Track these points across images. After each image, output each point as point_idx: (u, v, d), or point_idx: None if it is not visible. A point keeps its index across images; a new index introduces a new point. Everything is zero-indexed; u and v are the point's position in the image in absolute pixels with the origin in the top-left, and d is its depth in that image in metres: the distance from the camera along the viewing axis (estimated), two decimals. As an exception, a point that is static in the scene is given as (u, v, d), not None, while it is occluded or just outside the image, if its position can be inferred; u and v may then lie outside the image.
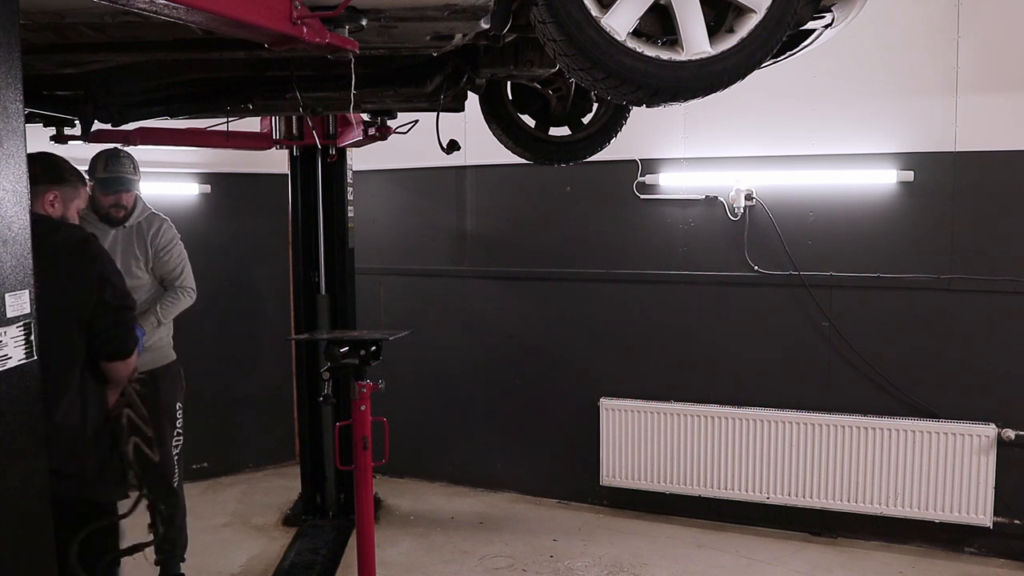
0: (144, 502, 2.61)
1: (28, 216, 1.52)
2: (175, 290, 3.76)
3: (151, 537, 2.66)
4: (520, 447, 5.14)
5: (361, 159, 5.00)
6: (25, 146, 1.50)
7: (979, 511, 4.05)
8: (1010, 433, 4.03)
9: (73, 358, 2.31)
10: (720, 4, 2.03)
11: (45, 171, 2.45)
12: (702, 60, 1.98)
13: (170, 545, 3.70)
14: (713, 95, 2.06)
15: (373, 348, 3.38)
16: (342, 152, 4.64)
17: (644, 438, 4.67)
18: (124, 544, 2.59)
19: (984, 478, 4.03)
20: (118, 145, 3.74)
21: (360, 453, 3.34)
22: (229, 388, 5.49)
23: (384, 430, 3.45)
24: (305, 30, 1.79)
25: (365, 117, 4.07)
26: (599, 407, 4.77)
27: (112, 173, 3.60)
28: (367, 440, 3.33)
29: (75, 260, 2.36)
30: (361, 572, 3.42)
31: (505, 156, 3.66)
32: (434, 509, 4.92)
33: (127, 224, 3.68)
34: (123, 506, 2.55)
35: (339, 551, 4.30)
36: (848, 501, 4.28)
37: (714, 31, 2.02)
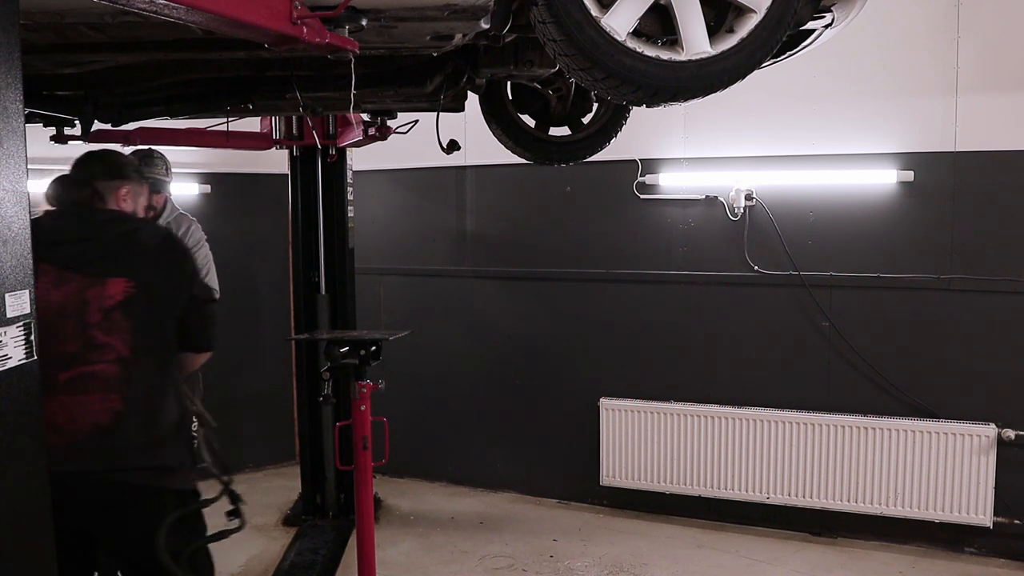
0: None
1: (28, 216, 1.51)
2: None
3: (234, 523, 2.55)
4: (520, 447, 5.14)
5: (361, 159, 5.00)
6: (25, 146, 1.50)
7: (979, 511, 4.05)
8: (1010, 433, 4.03)
9: (170, 352, 2.34)
10: (720, 4, 2.03)
11: (112, 167, 2.46)
12: (702, 60, 1.98)
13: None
14: (713, 95, 2.06)
15: (373, 348, 3.38)
16: (342, 152, 4.64)
17: (644, 438, 4.67)
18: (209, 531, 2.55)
19: (984, 478, 4.03)
20: (152, 147, 3.77)
21: (360, 453, 3.34)
22: (229, 388, 5.49)
23: (384, 430, 3.45)
24: (305, 30, 1.79)
25: (365, 117, 4.07)
26: (599, 407, 4.77)
27: (145, 174, 3.61)
28: (367, 440, 3.34)
29: (166, 256, 2.38)
30: (361, 572, 3.42)
31: (505, 156, 3.66)
32: (434, 509, 4.92)
33: None
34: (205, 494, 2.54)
35: (339, 551, 4.30)
36: (848, 501, 4.28)
37: (714, 31, 2.03)
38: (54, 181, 2.41)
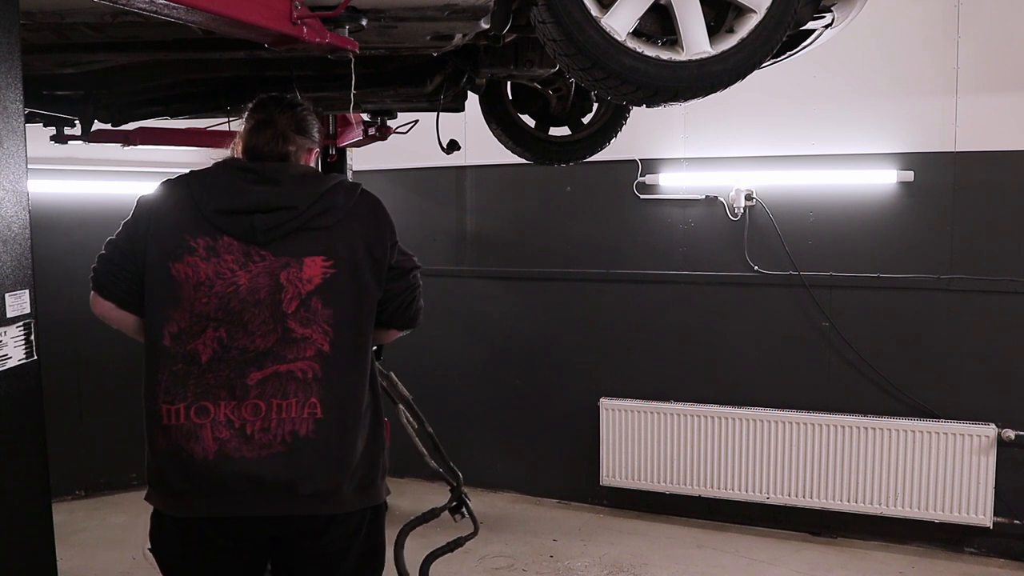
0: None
1: (28, 216, 1.51)
2: None
3: (467, 529, 2.30)
4: (520, 447, 5.14)
5: (361, 159, 5.00)
6: (25, 146, 1.50)
7: (979, 511, 4.05)
8: (1010, 433, 4.03)
9: (370, 342, 1.97)
10: (720, 4, 2.03)
11: (302, 124, 2.01)
12: (702, 60, 1.99)
13: None
14: (713, 95, 2.06)
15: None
16: (342, 152, 4.63)
17: (644, 438, 4.67)
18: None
19: (984, 478, 4.03)
20: None
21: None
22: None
23: (387, 430, 3.45)
24: (305, 30, 1.79)
25: (365, 117, 4.07)
26: (599, 407, 4.77)
27: None
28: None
29: (364, 220, 1.91)
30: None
31: (505, 156, 3.66)
32: (434, 509, 4.92)
33: None
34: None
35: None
36: (848, 501, 4.28)
37: (714, 31, 2.03)
38: (253, 128, 1.97)
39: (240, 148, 1.98)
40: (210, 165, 1.96)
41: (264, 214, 1.83)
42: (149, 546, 2.00)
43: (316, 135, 2.06)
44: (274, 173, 1.89)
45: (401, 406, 2.37)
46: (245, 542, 1.87)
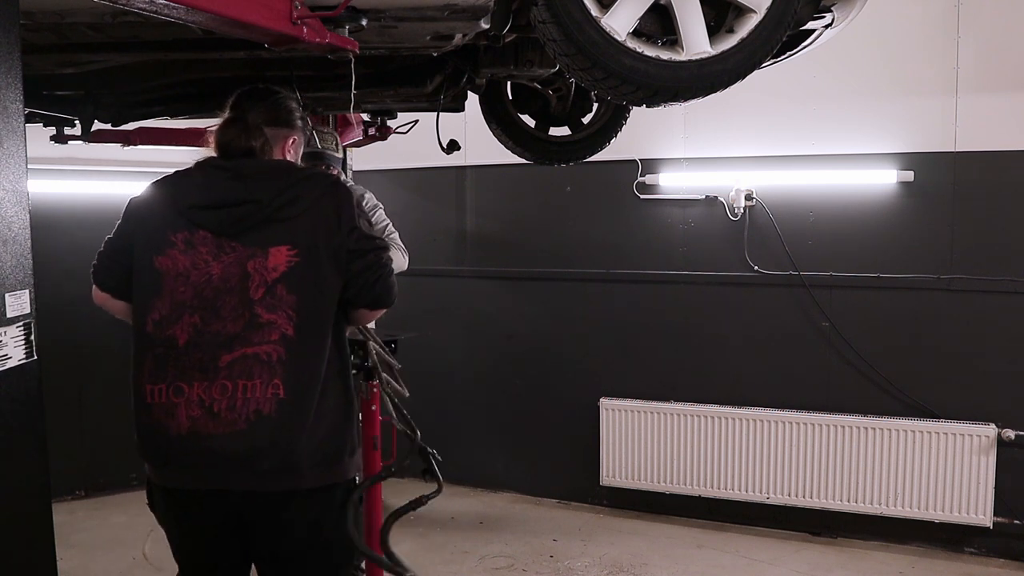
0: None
1: (28, 216, 1.51)
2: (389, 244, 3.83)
3: (431, 488, 2.29)
4: (520, 447, 5.14)
5: (361, 159, 5.00)
6: (25, 146, 1.50)
7: (979, 511, 4.05)
8: (1010, 433, 4.03)
9: (338, 325, 2.04)
10: (720, 4, 2.03)
11: (282, 112, 2.16)
12: (702, 60, 1.98)
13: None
14: (713, 95, 2.06)
15: (391, 347, 3.37)
16: (342, 152, 4.63)
17: (644, 438, 4.67)
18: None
19: (984, 478, 4.03)
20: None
21: (370, 452, 3.35)
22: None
23: (392, 430, 3.46)
24: (305, 30, 1.80)
25: (365, 117, 4.07)
26: (599, 407, 4.77)
27: (315, 148, 3.60)
28: (377, 440, 3.35)
29: (323, 208, 2.00)
30: (368, 569, 3.43)
31: (505, 156, 3.66)
32: (434, 509, 4.90)
33: None
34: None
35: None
36: (848, 501, 4.28)
37: (714, 31, 2.02)
38: (222, 126, 2.09)
39: (214, 145, 2.12)
40: (191, 165, 2.10)
41: (232, 208, 1.97)
42: (148, 547, 2.02)
43: (296, 122, 2.19)
44: (244, 169, 2.03)
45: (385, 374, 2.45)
46: (221, 515, 2.00)
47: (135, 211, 2.06)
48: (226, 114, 2.12)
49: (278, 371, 1.91)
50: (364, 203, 3.89)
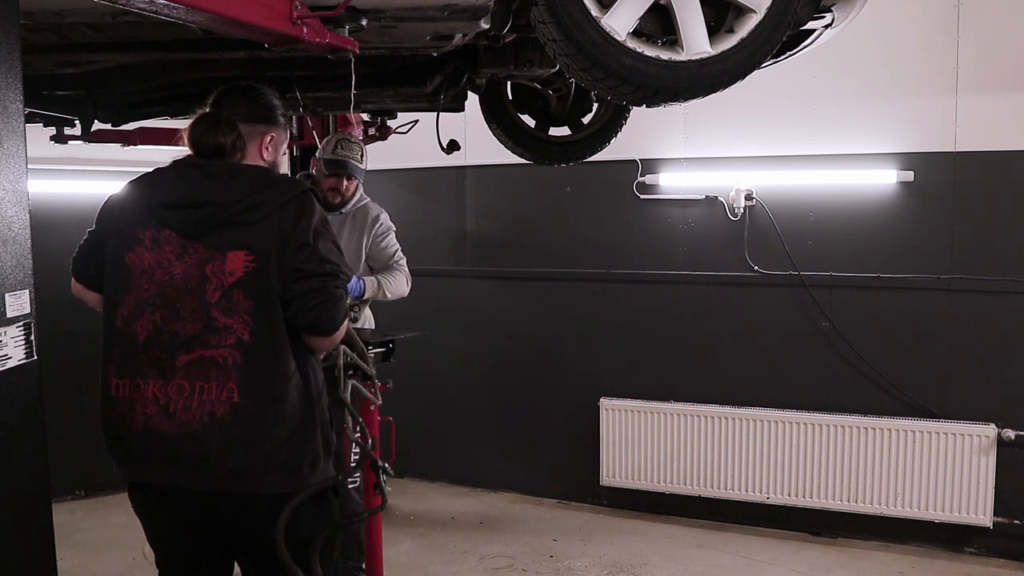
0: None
1: (28, 216, 1.51)
2: (394, 267, 3.80)
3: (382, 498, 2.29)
4: (520, 447, 5.14)
5: (361, 159, 5.00)
6: (25, 146, 1.50)
7: (979, 511, 4.05)
8: (1010, 433, 4.03)
9: (295, 334, 2.00)
10: (720, 4, 2.03)
11: (260, 108, 2.13)
12: (702, 60, 1.99)
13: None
14: (713, 95, 2.06)
15: (383, 349, 3.37)
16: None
17: (644, 438, 4.67)
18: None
19: (984, 478, 4.03)
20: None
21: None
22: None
23: (391, 430, 3.46)
24: (305, 30, 1.80)
25: (365, 117, 4.07)
26: (599, 407, 4.77)
27: (339, 156, 3.61)
28: (376, 440, 3.34)
29: (284, 220, 1.96)
30: (369, 568, 3.43)
31: (505, 156, 3.66)
32: (434, 509, 4.92)
33: (342, 211, 3.71)
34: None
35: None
36: (848, 501, 4.28)
37: (714, 31, 2.03)
38: (194, 122, 2.07)
39: (187, 141, 2.12)
40: (169, 163, 2.12)
41: (195, 209, 1.98)
42: (148, 547, 2.04)
43: (276, 119, 2.16)
44: (214, 169, 2.03)
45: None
46: (186, 511, 2.04)
47: (111, 207, 2.09)
48: (204, 109, 2.11)
49: (233, 375, 1.92)
50: (378, 225, 3.78)
